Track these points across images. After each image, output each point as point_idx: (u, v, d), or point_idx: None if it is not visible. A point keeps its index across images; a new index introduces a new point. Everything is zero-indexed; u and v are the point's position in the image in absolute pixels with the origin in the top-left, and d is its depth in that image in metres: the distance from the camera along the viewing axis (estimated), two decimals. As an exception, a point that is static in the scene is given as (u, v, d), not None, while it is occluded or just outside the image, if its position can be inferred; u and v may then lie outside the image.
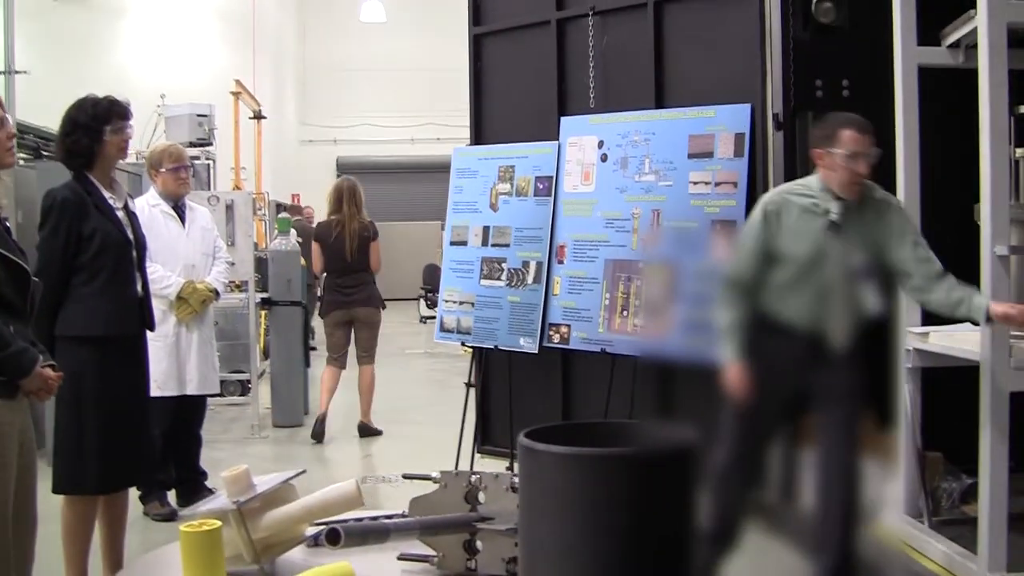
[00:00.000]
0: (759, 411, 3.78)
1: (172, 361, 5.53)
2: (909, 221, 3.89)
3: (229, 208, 9.48)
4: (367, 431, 7.68)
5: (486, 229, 5.99)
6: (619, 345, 5.33)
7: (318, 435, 7.51)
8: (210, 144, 10.39)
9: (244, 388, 8.90)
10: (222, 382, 7.57)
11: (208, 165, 10.48)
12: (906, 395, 4.61)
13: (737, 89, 5.22)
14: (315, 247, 7.59)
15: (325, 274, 7.61)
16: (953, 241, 4.19)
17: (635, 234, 5.36)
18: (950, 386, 4.34)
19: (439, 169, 8.56)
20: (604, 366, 5.39)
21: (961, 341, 4.30)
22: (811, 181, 3.88)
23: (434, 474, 2.76)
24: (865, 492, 3.82)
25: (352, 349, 7.64)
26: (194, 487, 5.56)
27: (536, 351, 5.63)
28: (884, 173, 4.45)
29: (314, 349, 10.65)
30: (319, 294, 9.14)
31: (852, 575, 3.70)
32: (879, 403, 4.48)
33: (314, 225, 9.54)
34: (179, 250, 5.61)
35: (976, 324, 3.90)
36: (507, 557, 2.50)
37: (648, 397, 5.14)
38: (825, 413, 3.76)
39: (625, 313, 5.30)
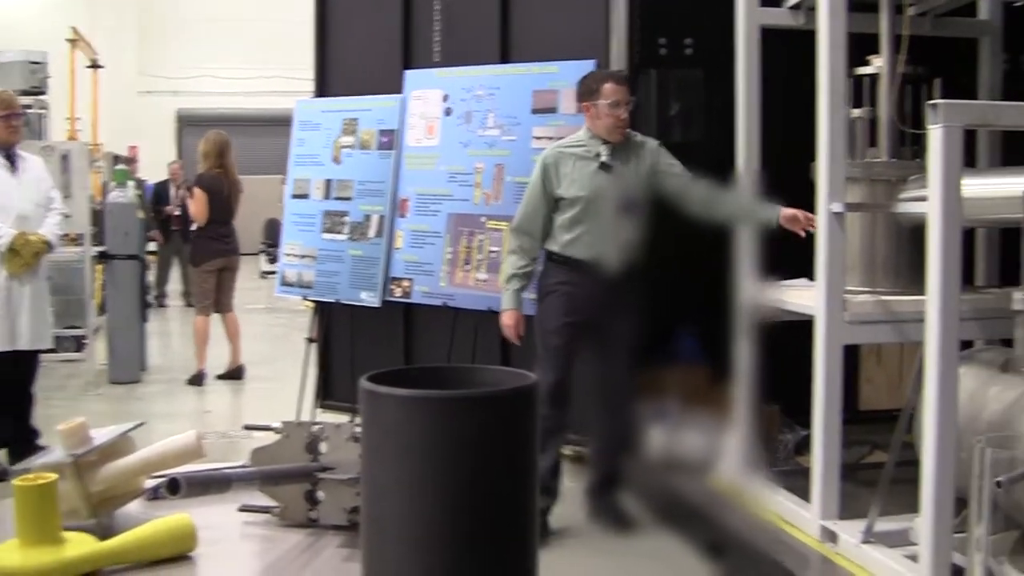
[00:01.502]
0: (564, 342, 4.15)
1: (3, 315, 5.18)
2: (670, 156, 4.25)
3: (64, 159, 8.99)
4: (239, 373, 7.75)
5: (328, 182, 5.73)
6: (461, 299, 5.23)
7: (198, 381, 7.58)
8: (43, 93, 9.84)
9: (79, 344, 8.53)
10: (56, 338, 7.16)
11: (41, 115, 9.93)
12: (744, 351, 4.56)
13: (582, 46, 5.10)
14: (202, 196, 7.51)
15: (202, 224, 7.61)
16: (795, 201, 4.16)
17: (477, 188, 5.24)
18: (788, 340, 4.29)
19: (281, 122, 8.20)
20: (446, 320, 5.29)
21: (798, 296, 4.24)
22: (580, 133, 4.25)
23: (275, 425, 2.65)
24: (634, 419, 4.32)
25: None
26: (26, 446, 5.18)
27: (378, 305, 5.45)
28: (727, 132, 4.55)
29: (151, 306, 10.31)
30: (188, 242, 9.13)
31: (612, 490, 4.36)
32: (717, 357, 4.60)
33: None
34: (10, 200, 5.24)
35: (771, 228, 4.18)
36: (348, 507, 2.43)
37: (489, 350, 5.05)
38: (610, 337, 4.16)
39: (467, 267, 5.21)
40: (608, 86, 4.16)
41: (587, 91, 4.21)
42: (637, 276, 4.19)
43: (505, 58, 5.47)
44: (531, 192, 4.27)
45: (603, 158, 4.17)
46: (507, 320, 4.22)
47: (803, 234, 4.07)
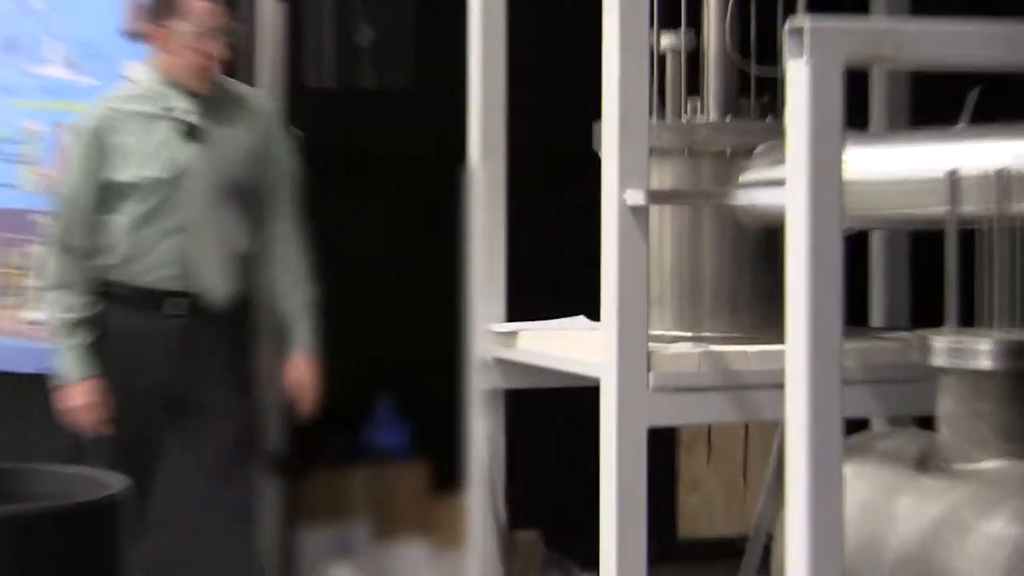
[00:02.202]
0: (133, 427, 4.15)
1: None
2: (285, 137, 4.35)
3: None
4: None
5: None
6: (5, 354, 5.00)
7: None
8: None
9: None
10: None
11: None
12: (479, 435, 4.40)
13: None
14: None
15: None
16: (570, 187, 4.24)
17: (30, 167, 5.05)
18: (553, 421, 4.32)
19: None
20: None
21: (573, 344, 4.08)
22: (141, 76, 4.28)
23: None
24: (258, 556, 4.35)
25: None
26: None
27: None
28: (452, 75, 4.56)
29: None
30: None
31: None
32: (432, 444, 4.76)
33: None
34: None
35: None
36: None
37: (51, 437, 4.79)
38: (204, 422, 4.16)
39: (11, 300, 5.02)
40: (195, 3, 4.13)
41: (161, 5, 4.16)
42: (251, 311, 4.28)
43: None
44: (72, 180, 4.22)
45: (188, 117, 4.15)
46: (77, 398, 4.14)
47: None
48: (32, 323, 4.93)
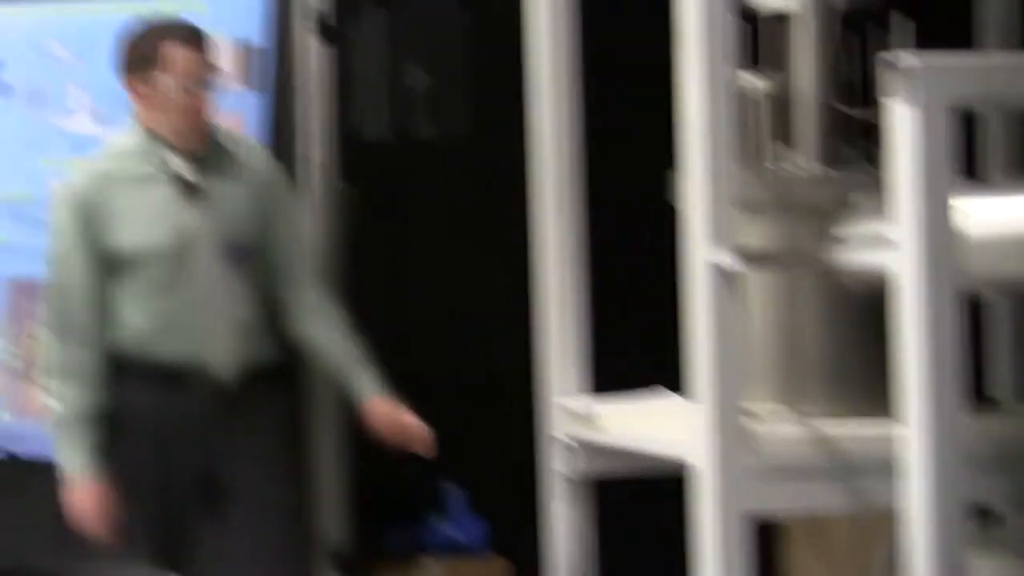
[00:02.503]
0: (155, 508, 4.15)
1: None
2: (293, 204, 4.48)
3: None
4: None
5: None
6: (31, 440, 5.05)
7: None
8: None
9: None
10: None
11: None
12: (560, 527, 4.40)
13: None
14: None
15: None
16: (639, 245, 4.27)
17: None
18: (645, 510, 4.27)
19: None
20: (4, 477, 5.27)
21: (654, 424, 4.11)
22: (128, 139, 4.26)
23: None
24: None
25: None
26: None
27: None
28: (511, 124, 4.57)
29: None
30: None
31: None
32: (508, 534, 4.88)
33: None
34: None
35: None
36: None
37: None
38: (239, 508, 4.17)
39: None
40: (177, 52, 4.15)
41: (142, 59, 4.17)
42: (271, 382, 4.27)
43: None
44: (62, 257, 4.21)
45: (185, 175, 4.16)
46: (80, 500, 4.14)
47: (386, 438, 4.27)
48: None
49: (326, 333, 4.28)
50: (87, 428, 4.13)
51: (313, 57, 5.12)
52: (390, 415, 4.25)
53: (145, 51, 4.19)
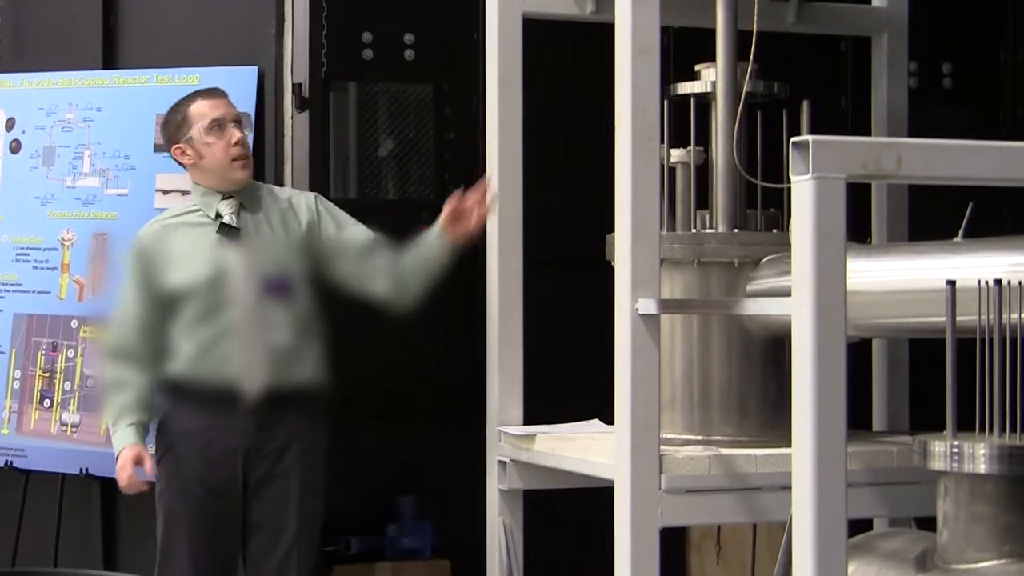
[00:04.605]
0: (202, 523, 4.12)
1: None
2: (323, 203, 4.36)
3: None
4: None
5: None
6: (36, 456, 5.06)
7: None
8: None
9: None
10: None
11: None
12: (497, 534, 4.39)
13: (238, 44, 5.11)
14: None
15: None
16: (582, 290, 4.24)
17: (65, 273, 5.14)
18: (571, 520, 4.30)
19: None
20: (13, 489, 5.10)
21: (588, 448, 4.09)
22: (192, 197, 4.31)
23: None
24: None
25: None
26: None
27: None
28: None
29: None
30: None
31: None
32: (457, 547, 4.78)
33: None
34: None
35: (442, 260, 4.26)
36: None
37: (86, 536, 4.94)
38: (263, 510, 4.16)
39: (47, 403, 5.07)
40: (198, 105, 4.24)
41: (174, 128, 4.26)
42: (306, 402, 4.18)
43: (111, 61, 5.37)
44: (125, 294, 4.27)
45: (228, 219, 4.18)
46: (124, 459, 4.12)
47: (471, 226, 4.17)
48: (66, 425, 4.99)
49: (393, 251, 4.22)
50: (139, 415, 4.12)
51: (289, 122, 5.07)
52: (452, 211, 4.16)
53: (176, 121, 4.23)
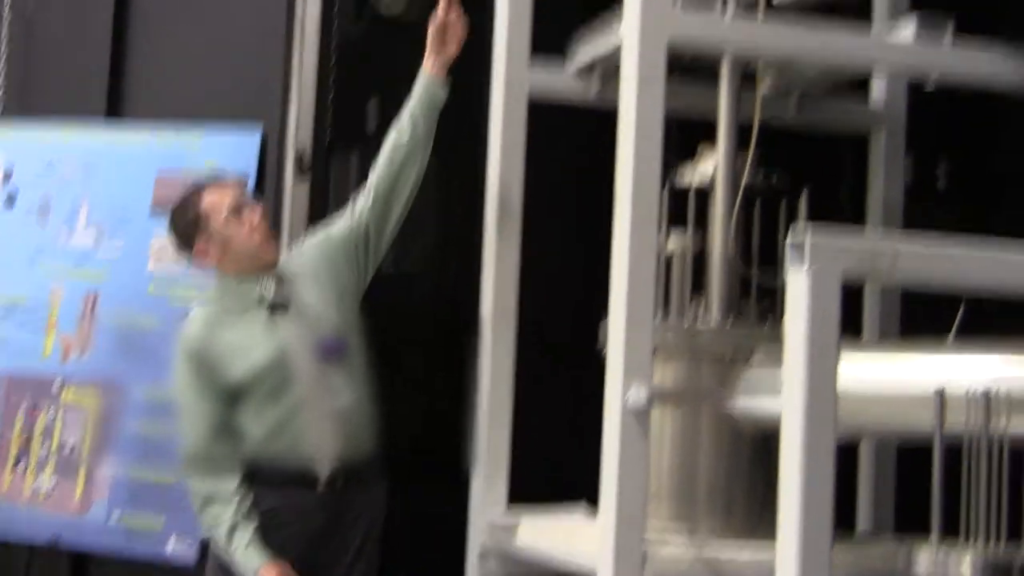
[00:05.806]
0: None
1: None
2: (326, 234, 4.36)
3: None
4: None
5: None
6: (11, 522, 5.03)
7: None
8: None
9: None
10: None
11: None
12: None
13: (243, 103, 5.14)
14: None
15: None
16: (576, 382, 4.27)
17: (51, 331, 5.14)
18: None
19: None
20: None
21: (572, 537, 4.10)
22: (218, 285, 4.25)
23: None
24: None
25: None
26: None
27: None
28: (470, 262, 4.61)
29: None
30: None
31: None
32: None
33: None
34: None
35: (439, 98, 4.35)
36: None
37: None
38: None
39: (21, 466, 5.06)
40: (209, 198, 4.17)
41: (191, 224, 4.19)
42: (372, 472, 4.23)
43: (115, 112, 5.41)
44: (189, 401, 4.17)
45: (273, 297, 4.15)
46: None
47: (459, 37, 4.30)
48: (42, 491, 4.97)
49: (390, 147, 4.31)
50: (251, 524, 4.07)
51: (289, 187, 5.07)
52: (435, 32, 4.28)
53: (189, 218, 4.18)
